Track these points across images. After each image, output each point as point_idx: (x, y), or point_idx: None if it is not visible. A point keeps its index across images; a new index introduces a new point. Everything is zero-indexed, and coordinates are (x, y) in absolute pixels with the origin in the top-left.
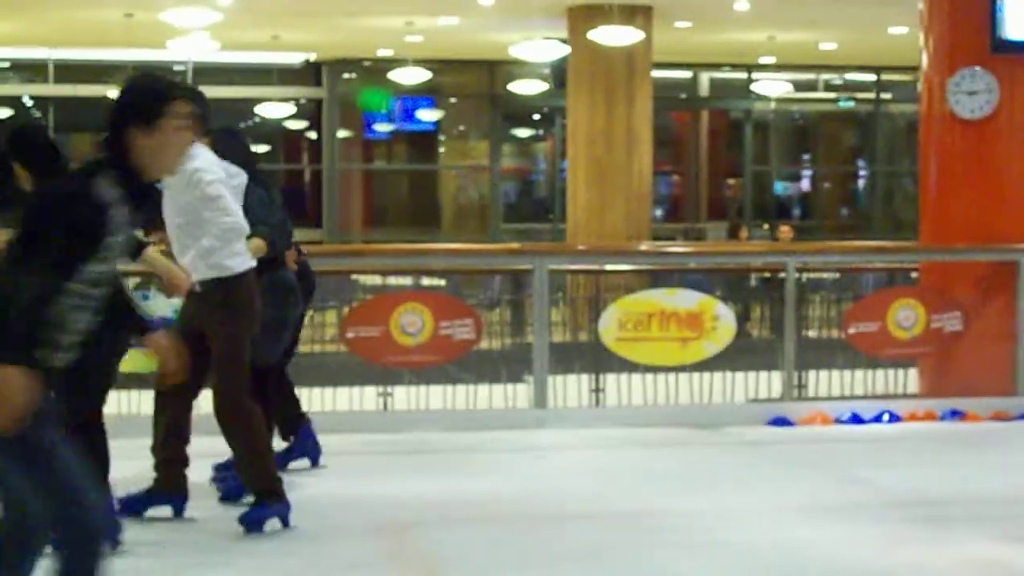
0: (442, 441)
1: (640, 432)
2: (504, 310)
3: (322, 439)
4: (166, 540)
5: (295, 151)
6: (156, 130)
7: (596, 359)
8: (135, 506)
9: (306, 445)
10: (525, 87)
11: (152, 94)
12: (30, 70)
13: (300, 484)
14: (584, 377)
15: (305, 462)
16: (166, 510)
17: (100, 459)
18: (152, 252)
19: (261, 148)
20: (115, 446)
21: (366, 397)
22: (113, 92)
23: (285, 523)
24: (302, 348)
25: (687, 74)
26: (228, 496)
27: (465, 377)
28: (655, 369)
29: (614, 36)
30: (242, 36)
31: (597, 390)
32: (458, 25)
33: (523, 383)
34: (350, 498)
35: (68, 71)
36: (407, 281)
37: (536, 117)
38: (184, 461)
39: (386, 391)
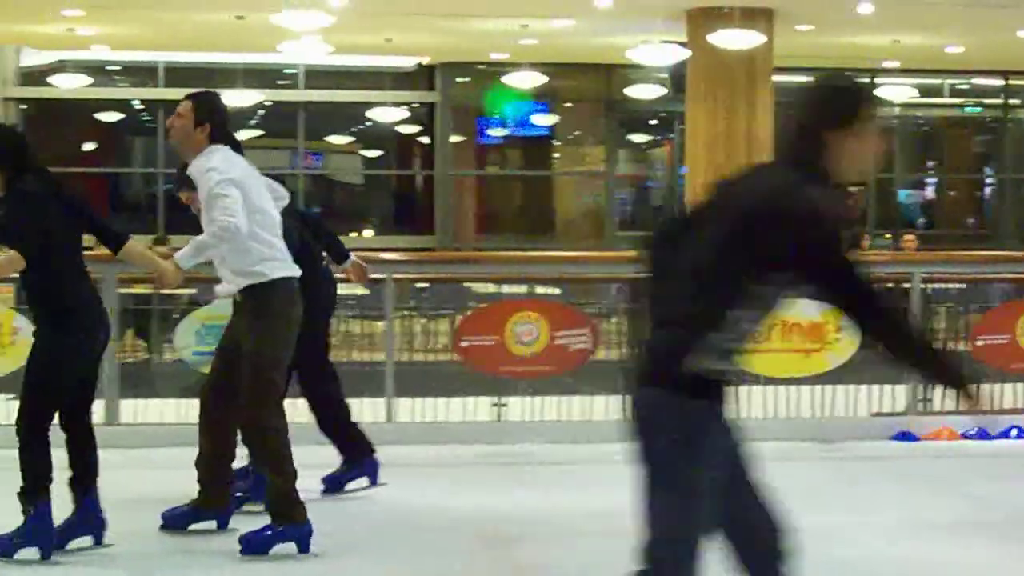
0: (556, 453)
1: (760, 446)
2: (620, 319)
3: (434, 450)
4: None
5: (407, 156)
6: (854, 133)
7: None
8: (179, 521)
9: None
10: (642, 91)
11: (850, 96)
12: (141, 73)
13: (409, 495)
14: None
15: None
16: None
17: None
18: (133, 246)
19: (373, 153)
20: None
21: (480, 407)
22: (223, 96)
23: (303, 548)
24: (416, 356)
25: (808, 78)
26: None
27: (580, 388)
28: (776, 381)
29: (734, 39)
30: (355, 39)
31: None
32: (574, 28)
33: None
34: (460, 509)
35: (178, 74)
36: (521, 289)
37: (653, 122)
38: (229, 479)
39: (500, 401)
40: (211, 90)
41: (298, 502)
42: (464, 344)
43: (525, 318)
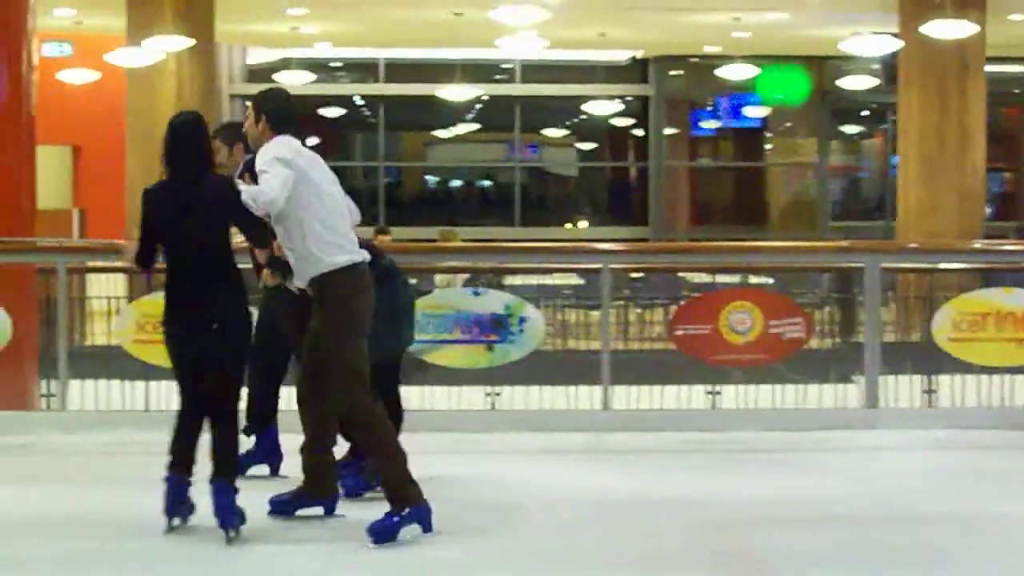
0: (770, 440)
1: (973, 434)
2: (833, 309)
3: (647, 436)
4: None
5: (621, 148)
6: None
7: (928, 359)
8: (286, 508)
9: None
10: (854, 83)
11: None
12: (362, 69)
13: (625, 481)
14: (916, 378)
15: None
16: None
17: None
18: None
19: (588, 145)
20: None
21: (694, 395)
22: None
23: (426, 528)
24: (631, 345)
25: (1022, 68)
26: (350, 493)
27: (794, 376)
28: (990, 370)
29: (947, 30)
30: (569, 34)
31: (929, 391)
32: (786, 20)
33: (852, 383)
34: (676, 495)
35: (398, 70)
36: (735, 279)
37: (865, 113)
38: (330, 464)
39: (714, 389)
40: (271, 87)
41: (409, 482)
42: (679, 333)
43: (740, 307)
